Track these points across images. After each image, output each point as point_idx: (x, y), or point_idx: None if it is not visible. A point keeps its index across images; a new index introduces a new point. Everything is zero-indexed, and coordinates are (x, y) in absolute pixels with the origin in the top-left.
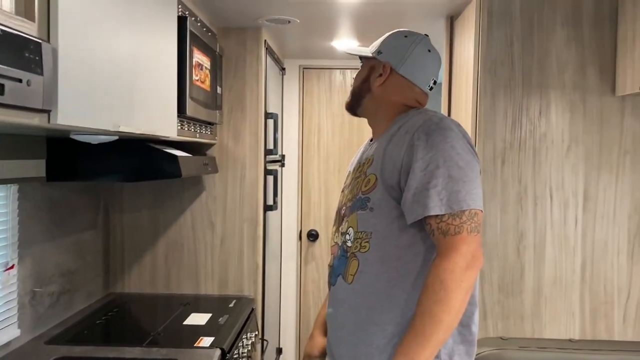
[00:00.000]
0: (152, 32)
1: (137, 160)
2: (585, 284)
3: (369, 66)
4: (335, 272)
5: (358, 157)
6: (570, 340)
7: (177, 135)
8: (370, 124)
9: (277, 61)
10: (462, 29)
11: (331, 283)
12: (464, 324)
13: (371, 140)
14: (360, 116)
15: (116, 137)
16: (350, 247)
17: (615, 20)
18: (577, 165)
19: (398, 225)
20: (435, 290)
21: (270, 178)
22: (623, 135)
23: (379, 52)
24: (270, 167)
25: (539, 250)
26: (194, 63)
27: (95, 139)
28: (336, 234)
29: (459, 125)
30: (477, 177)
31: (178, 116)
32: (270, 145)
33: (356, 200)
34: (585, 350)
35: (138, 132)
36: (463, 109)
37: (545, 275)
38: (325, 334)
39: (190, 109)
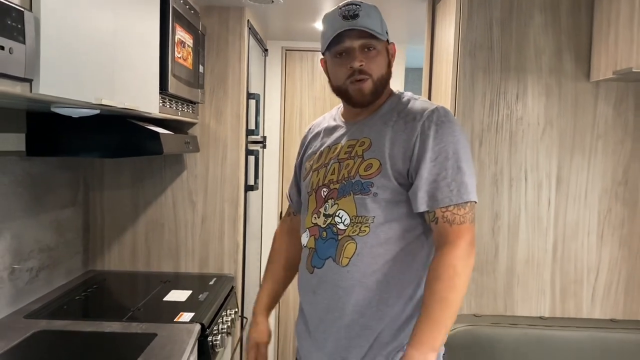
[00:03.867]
0: (135, 8)
1: (118, 136)
2: (556, 263)
3: (384, 48)
4: (321, 254)
5: (331, 136)
6: (540, 317)
7: (159, 112)
8: (362, 108)
9: (260, 42)
10: (444, 13)
11: (314, 266)
12: None
13: (344, 120)
14: (369, 104)
15: (97, 112)
16: (343, 230)
17: (591, 6)
18: (552, 148)
19: (401, 211)
20: (450, 277)
21: (252, 158)
22: (596, 120)
23: (386, 32)
24: (252, 147)
25: (513, 230)
26: (176, 40)
27: (76, 113)
28: (314, 215)
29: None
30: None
31: (160, 93)
32: (252, 126)
33: (350, 184)
34: (554, 327)
35: (120, 106)
36: (443, 92)
37: (519, 254)
38: (267, 317)
39: (172, 86)
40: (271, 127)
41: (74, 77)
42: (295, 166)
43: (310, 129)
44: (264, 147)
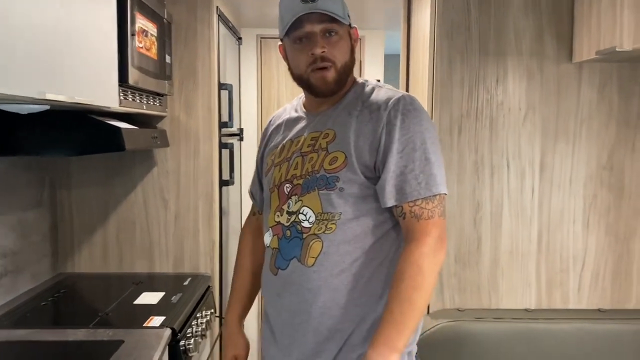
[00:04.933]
0: None
1: (77, 133)
2: (541, 253)
3: (347, 33)
4: (285, 255)
5: (293, 128)
6: (526, 310)
7: (119, 106)
8: (325, 98)
9: (233, 30)
10: None
11: (278, 267)
12: None
13: (306, 111)
14: (333, 94)
15: (47, 107)
16: (308, 228)
17: None
18: (534, 134)
19: (369, 206)
20: (413, 276)
21: (226, 152)
22: (579, 103)
23: (347, 15)
24: (226, 140)
25: (496, 220)
26: (136, 29)
27: (23, 109)
28: (277, 213)
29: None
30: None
31: (120, 85)
32: (225, 118)
33: (315, 179)
34: (540, 320)
35: (70, 100)
36: (420, 78)
37: (502, 245)
38: (241, 327)
39: (133, 77)
40: (248, 119)
41: (9, 70)
42: (257, 161)
43: (270, 121)
44: (241, 139)
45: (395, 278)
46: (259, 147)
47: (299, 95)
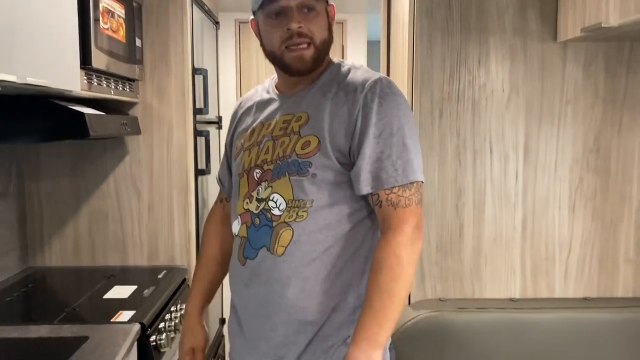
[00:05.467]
0: None
1: (39, 120)
2: (526, 241)
3: (324, 9)
4: (254, 244)
5: (264, 110)
6: (511, 299)
7: (82, 90)
8: (299, 78)
9: (209, 14)
10: None
11: (246, 257)
12: None
13: (278, 93)
14: (309, 73)
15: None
16: (278, 216)
17: None
18: (518, 117)
19: (342, 193)
20: (393, 267)
21: (202, 140)
22: (565, 83)
23: None
24: (202, 128)
25: (479, 206)
26: (101, 9)
27: None
28: (246, 200)
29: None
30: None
31: (84, 68)
32: (200, 104)
33: (286, 164)
34: (524, 309)
35: (21, 82)
36: (400, 60)
37: (485, 233)
38: (201, 318)
39: (97, 60)
40: (227, 106)
41: None
42: (225, 145)
43: (240, 103)
44: (220, 127)
45: (374, 269)
46: (228, 130)
47: (271, 77)
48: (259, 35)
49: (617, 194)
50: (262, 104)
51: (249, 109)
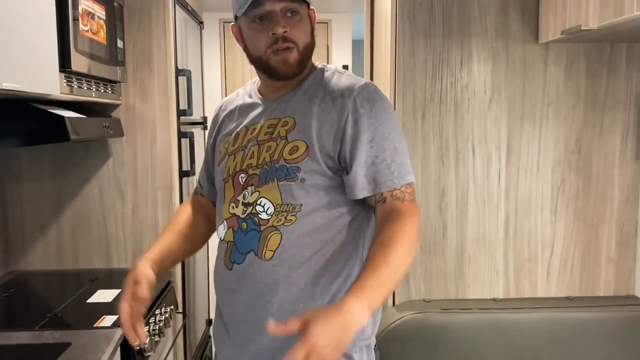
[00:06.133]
0: None
1: (19, 124)
2: (509, 241)
3: (307, 13)
4: (242, 248)
5: (248, 115)
6: (494, 299)
7: (62, 94)
8: (284, 82)
9: (193, 14)
10: None
11: (233, 261)
12: None
13: (262, 97)
14: (294, 77)
15: None
16: (266, 220)
17: None
18: (500, 117)
19: (330, 197)
20: (404, 243)
21: (186, 141)
22: (546, 84)
23: None
24: (186, 129)
25: (462, 207)
26: (80, 11)
27: None
28: (232, 204)
29: None
30: None
31: (63, 71)
32: (184, 105)
33: (274, 169)
34: (508, 309)
35: None
36: (383, 62)
37: (469, 233)
38: (155, 271)
39: (77, 63)
40: (212, 107)
41: None
42: (207, 149)
43: (222, 106)
44: (205, 128)
45: (384, 242)
46: (209, 133)
47: (253, 80)
48: (241, 40)
49: (598, 194)
50: (245, 108)
51: (232, 112)
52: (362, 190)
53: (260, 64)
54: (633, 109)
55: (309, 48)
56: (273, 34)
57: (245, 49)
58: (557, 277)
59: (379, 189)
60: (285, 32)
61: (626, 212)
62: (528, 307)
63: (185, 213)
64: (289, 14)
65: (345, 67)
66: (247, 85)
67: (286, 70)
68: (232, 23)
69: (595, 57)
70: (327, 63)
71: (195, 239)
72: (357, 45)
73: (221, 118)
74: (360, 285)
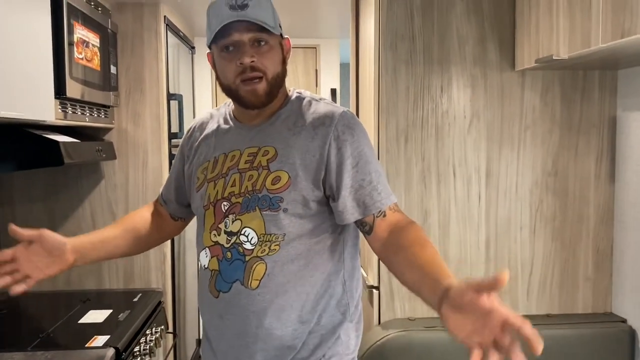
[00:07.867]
0: (13, 2)
1: (13, 148)
2: (489, 261)
3: (278, 43)
4: (227, 278)
5: (225, 141)
6: None
7: (57, 119)
8: (257, 111)
9: (185, 39)
10: (366, 3)
11: (219, 290)
12: (357, 305)
13: (238, 122)
14: (263, 106)
15: None
16: (250, 250)
17: None
18: (479, 141)
19: (311, 224)
20: (432, 245)
21: None
22: (523, 110)
23: (279, 25)
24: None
25: (444, 228)
26: (75, 40)
27: None
28: (213, 232)
29: None
30: None
31: (58, 98)
32: (175, 129)
33: (256, 198)
34: None
35: None
36: (367, 87)
37: (451, 253)
38: (74, 252)
39: (72, 89)
40: None
41: None
42: (178, 169)
43: (195, 127)
44: None
45: (420, 242)
46: (181, 152)
47: (226, 102)
48: (214, 68)
49: (575, 215)
50: (222, 134)
51: (208, 137)
52: (352, 214)
53: (230, 93)
54: (606, 132)
55: (279, 77)
56: (241, 63)
57: (217, 78)
58: (537, 295)
59: (369, 212)
60: (252, 61)
61: (602, 232)
62: None
63: (139, 215)
64: (257, 44)
65: (334, 90)
66: (221, 107)
67: (255, 100)
68: (207, 51)
69: (569, 84)
70: (317, 86)
71: (138, 242)
72: (344, 68)
73: (198, 140)
74: (448, 273)
